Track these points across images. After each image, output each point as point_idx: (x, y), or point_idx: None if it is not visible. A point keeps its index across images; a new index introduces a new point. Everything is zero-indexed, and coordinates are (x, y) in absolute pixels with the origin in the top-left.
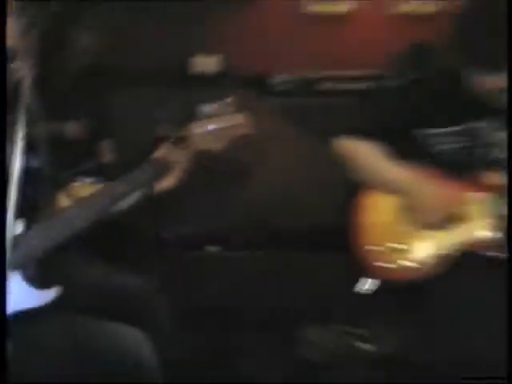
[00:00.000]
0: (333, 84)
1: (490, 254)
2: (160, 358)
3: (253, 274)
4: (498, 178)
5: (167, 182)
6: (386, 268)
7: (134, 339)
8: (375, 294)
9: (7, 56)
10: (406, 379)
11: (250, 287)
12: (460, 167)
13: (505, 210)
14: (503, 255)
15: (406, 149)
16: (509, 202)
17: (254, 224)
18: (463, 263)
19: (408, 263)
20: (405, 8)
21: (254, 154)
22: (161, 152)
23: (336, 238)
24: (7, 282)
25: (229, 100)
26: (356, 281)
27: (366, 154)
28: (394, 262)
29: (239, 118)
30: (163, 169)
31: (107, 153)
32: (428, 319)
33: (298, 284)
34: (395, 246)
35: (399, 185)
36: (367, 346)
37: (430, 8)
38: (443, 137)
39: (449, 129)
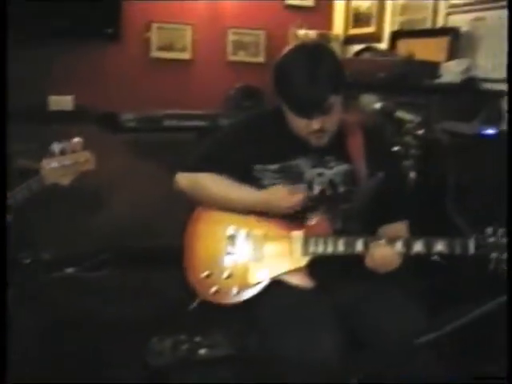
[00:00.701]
0: (176, 121)
1: (296, 282)
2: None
3: (108, 292)
4: (316, 218)
5: None
6: (215, 290)
7: None
8: (210, 306)
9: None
10: (241, 377)
11: (106, 303)
12: None
13: (319, 249)
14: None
15: (245, 181)
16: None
17: (108, 246)
18: (277, 286)
19: (232, 287)
20: (239, 57)
21: (107, 184)
22: None
23: (178, 258)
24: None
25: (77, 139)
26: (194, 295)
27: (213, 183)
28: (221, 285)
29: (85, 155)
30: None
31: None
32: (253, 327)
33: (146, 298)
34: (224, 272)
35: (251, 202)
36: (204, 351)
37: (260, 59)
38: (269, 172)
39: (274, 166)
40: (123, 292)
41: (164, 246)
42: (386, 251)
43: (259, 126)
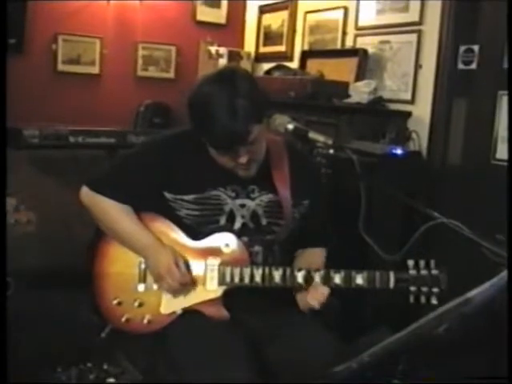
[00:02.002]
0: (82, 138)
1: (211, 313)
2: None
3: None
4: (234, 245)
5: None
6: (126, 319)
7: None
8: (121, 334)
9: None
10: None
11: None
12: (200, 233)
13: (236, 279)
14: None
15: (156, 209)
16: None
17: (9, 268)
18: (190, 316)
19: (144, 316)
20: (149, 72)
21: (10, 203)
22: None
23: (87, 281)
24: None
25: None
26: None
27: (109, 210)
28: (132, 314)
29: (27, 216)
30: None
31: None
32: (163, 354)
33: (50, 324)
34: (136, 300)
35: (139, 247)
36: (112, 380)
37: (170, 74)
38: (184, 203)
39: (188, 196)
40: (24, 317)
41: (71, 268)
42: (321, 288)
43: (173, 149)
